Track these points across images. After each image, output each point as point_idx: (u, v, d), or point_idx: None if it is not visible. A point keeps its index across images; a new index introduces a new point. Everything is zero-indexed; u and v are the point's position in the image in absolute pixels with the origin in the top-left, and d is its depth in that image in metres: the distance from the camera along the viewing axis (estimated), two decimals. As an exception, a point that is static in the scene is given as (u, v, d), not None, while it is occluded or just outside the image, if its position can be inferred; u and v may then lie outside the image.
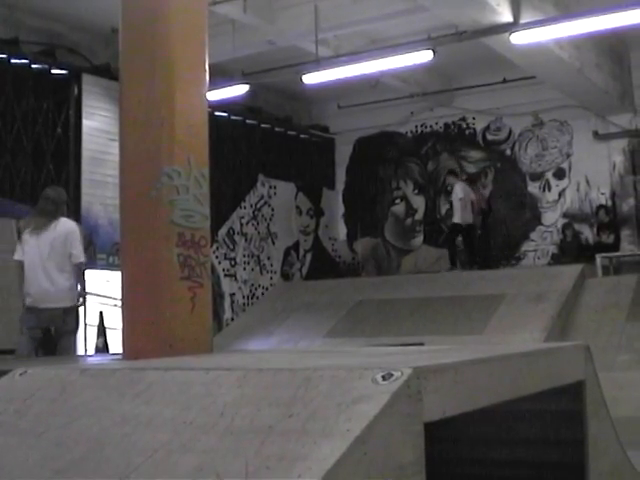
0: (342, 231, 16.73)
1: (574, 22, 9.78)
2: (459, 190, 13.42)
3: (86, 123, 11.56)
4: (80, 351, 6.65)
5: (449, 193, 15.44)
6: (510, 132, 14.98)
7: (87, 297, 7.21)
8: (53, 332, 6.60)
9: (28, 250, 6.59)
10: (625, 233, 13.55)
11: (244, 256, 14.44)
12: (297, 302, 12.93)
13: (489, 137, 15.22)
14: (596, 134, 13.95)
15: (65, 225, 6.67)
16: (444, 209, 15.49)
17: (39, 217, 6.75)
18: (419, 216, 15.91)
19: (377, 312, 11.73)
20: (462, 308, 11.04)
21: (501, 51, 10.91)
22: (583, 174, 14.16)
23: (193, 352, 4.33)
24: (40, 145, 11.11)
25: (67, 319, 6.62)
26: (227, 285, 14.00)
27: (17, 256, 6.65)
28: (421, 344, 7.21)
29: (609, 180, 13.91)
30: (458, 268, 13.40)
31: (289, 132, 15.89)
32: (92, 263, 10.97)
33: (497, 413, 3.43)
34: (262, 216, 14.98)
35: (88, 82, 11.67)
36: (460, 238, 13.66)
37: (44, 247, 6.54)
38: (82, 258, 6.67)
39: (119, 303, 4.86)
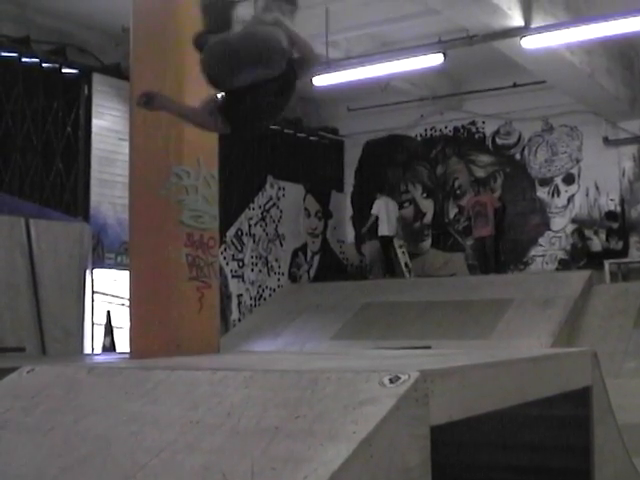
0: (350, 233, 16.71)
1: (585, 27, 9.74)
2: (375, 206, 14.68)
3: (96, 122, 11.58)
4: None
5: (458, 197, 15.47)
6: (520, 137, 14.94)
7: None
8: None
9: None
10: (634, 239, 13.50)
11: (252, 257, 14.45)
12: (304, 304, 12.93)
13: (499, 141, 15.19)
14: (606, 140, 13.90)
15: None
16: (452, 213, 15.47)
17: None
18: (427, 220, 15.87)
19: (384, 315, 11.72)
20: (469, 312, 11.02)
21: (512, 55, 10.88)
22: (592, 180, 14.11)
23: (200, 352, 4.33)
24: (50, 144, 11.14)
25: None
26: (234, 286, 14.00)
27: None
28: (428, 347, 7.21)
29: (618, 186, 13.86)
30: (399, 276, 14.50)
31: (298, 134, 15.87)
32: (100, 262, 11.01)
33: (503, 418, 3.42)
34: (270, 217, 14.98)
35: (98, 81, 11.69)
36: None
37: None
38: None
39: (127, 302, 4.87)
